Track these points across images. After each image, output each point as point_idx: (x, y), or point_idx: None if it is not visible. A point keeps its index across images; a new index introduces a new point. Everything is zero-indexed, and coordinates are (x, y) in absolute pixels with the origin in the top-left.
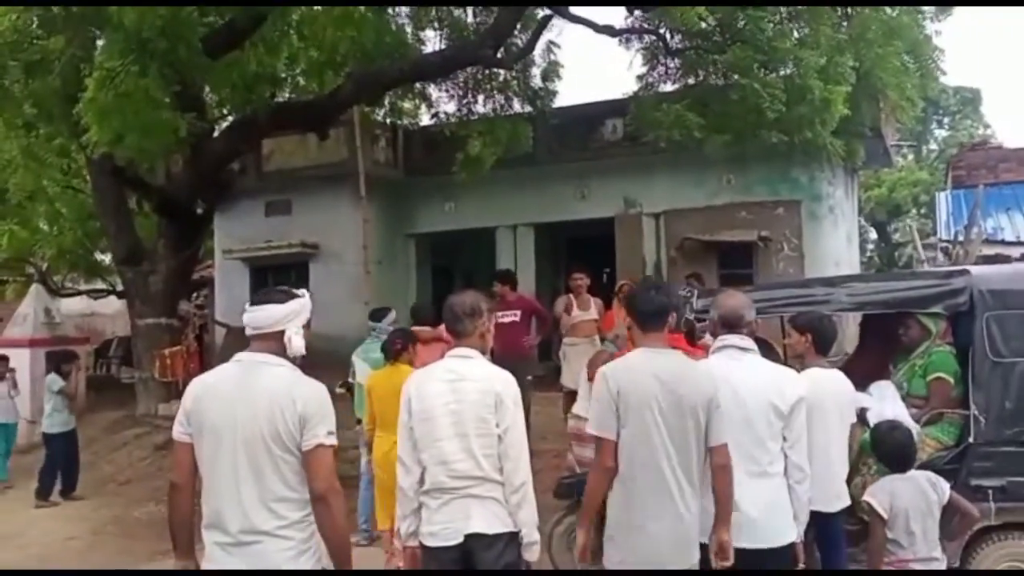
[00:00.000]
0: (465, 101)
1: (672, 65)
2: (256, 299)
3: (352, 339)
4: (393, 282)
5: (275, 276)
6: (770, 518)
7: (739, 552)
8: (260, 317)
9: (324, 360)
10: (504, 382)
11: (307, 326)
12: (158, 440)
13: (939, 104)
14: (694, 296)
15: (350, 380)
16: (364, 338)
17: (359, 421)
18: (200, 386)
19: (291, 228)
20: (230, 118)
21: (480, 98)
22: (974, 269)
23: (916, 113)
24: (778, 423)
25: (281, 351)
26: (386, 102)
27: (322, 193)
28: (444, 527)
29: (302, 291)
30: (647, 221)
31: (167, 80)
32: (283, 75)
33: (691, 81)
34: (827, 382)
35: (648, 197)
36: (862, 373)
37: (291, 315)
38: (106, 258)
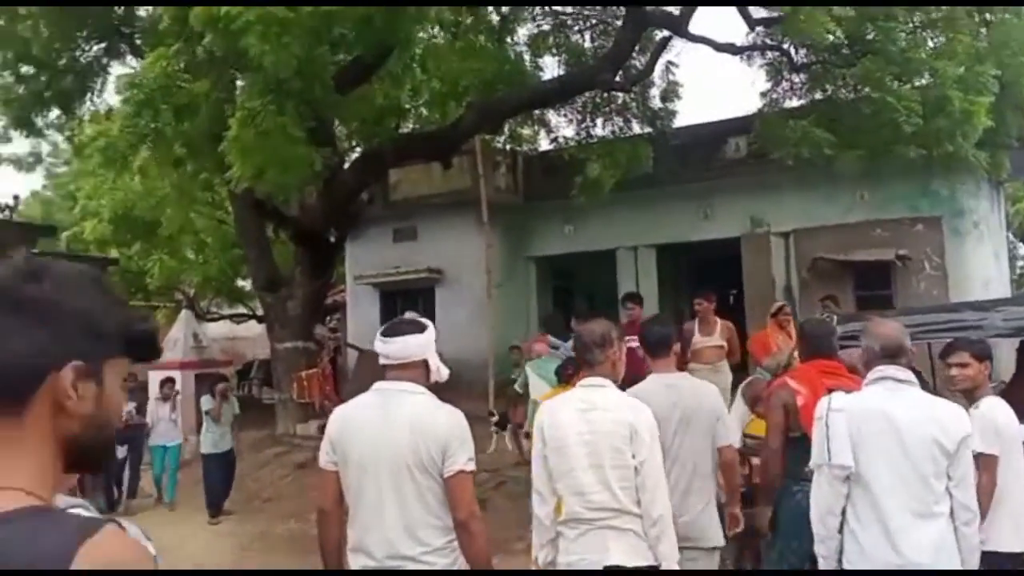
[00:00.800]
0: (584, 125)
1: (797, 80)
2: (390, 330)
3: (476, 363)
4: (514, 305)
5: (403, 301)
6: (936, 562)
7: None
8: (399, 348)
9: (451, 384)
10: (637, 412)
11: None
12: (298, 459)
13: None
14: (833, 320)
15: (516, 387)
16: (487, 360)
17: (528, 435)
18: (343, 416)
19: (418, 254)
20: (357, 150)
21: (599, 121)
22: None
23: None
24: (943, 461)
25: (419, 379)
26: (506, 129)
27: (446, 220)
28: (582, 558)
29: (426, 321)
30: (775, 241)
31: (302, 117)
32: (407, 107)
33: (818, 96)
34: (1007, 411)
35: (776, 216)
36: (1020, 404)
37: (429, 344)
38: (247, 284)
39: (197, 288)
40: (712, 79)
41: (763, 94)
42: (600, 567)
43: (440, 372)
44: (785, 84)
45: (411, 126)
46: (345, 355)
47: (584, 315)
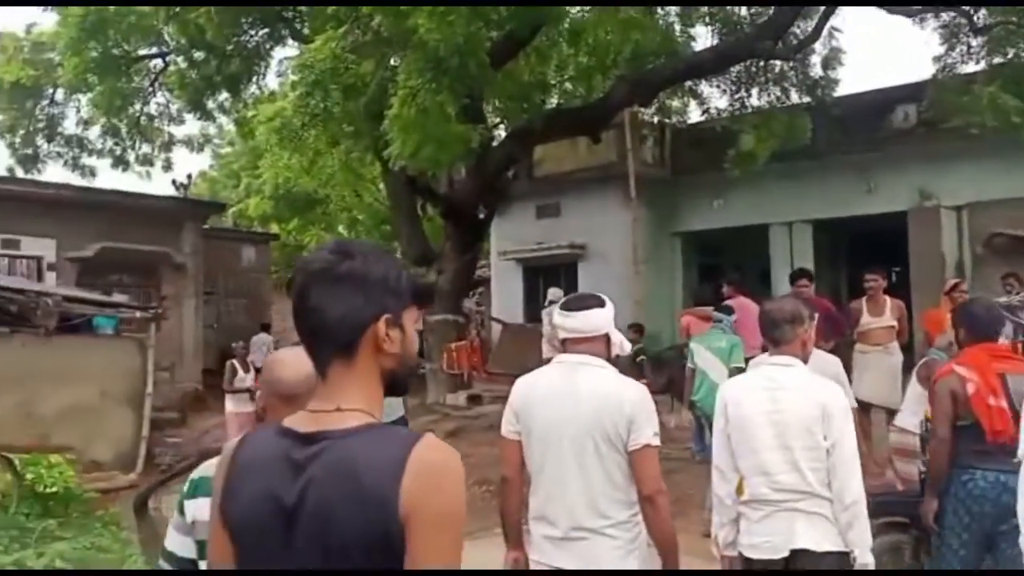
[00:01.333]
0: (738, 95)
1: (976, 43)
2: (572, 304)
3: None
4: (659, 282)
5: (546, 276)
6: None
7: None
8: (582, 322)
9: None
10: (831, 393)
11: None
12: (448, 427)
13: None
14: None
15: (689, 365)
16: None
17: (692, 404)
18: (527, 387)
19: (561, 230)
20: (503, 127)
21: (754, 91)
22: None
23: None
24: None
25: (601, 352)
26: (655, 102)
27: (590, 195)
28: (766, 540)
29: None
30: (946, 215)
31: (457, 95)
32: (552, 82)
33: (998, 60)
34: None
35: (947, 189)
36: None
37: (610, 318)
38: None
39: None
40: (877, 44)
41: (937, 59)
42: (786, 550)
43: (623, 346)
44: (961, 47)
45: (556, 101)
46: (489, 328)
47: (738, 287)
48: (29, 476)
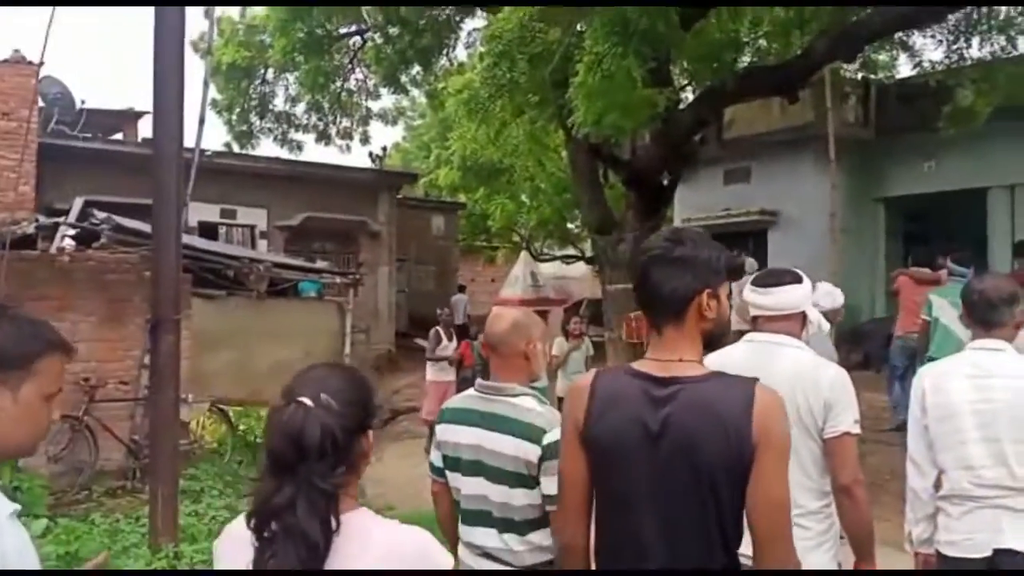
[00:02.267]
0: (956, 46)
1: None
2: (767, 280)
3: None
4: (859, 251)
5: (732, 244)
6: None
7: None
8: (777, 300)
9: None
10: None
11: None
12: None
13: None
14: None
15: (924, 317)
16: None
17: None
18: (715, 365)
19: (750, 196)
20: (689, 89)
21: (975, 41)
22: None
23: None
24: None
25: (796, 331)
26: (860, 56)
27: (783, 159)
28: (967, 538)
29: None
30: None
31: (643, 58)
32: (746, 40)
33: None
34: None
35: None
36: None
37: (807, 295)
38: (577, 227)
39: (532, 230)
40: None
41: None
42: (989, 549)
43: (821, 325)
44: None
45: (749, 60)
46: None
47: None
48: (242, 427)
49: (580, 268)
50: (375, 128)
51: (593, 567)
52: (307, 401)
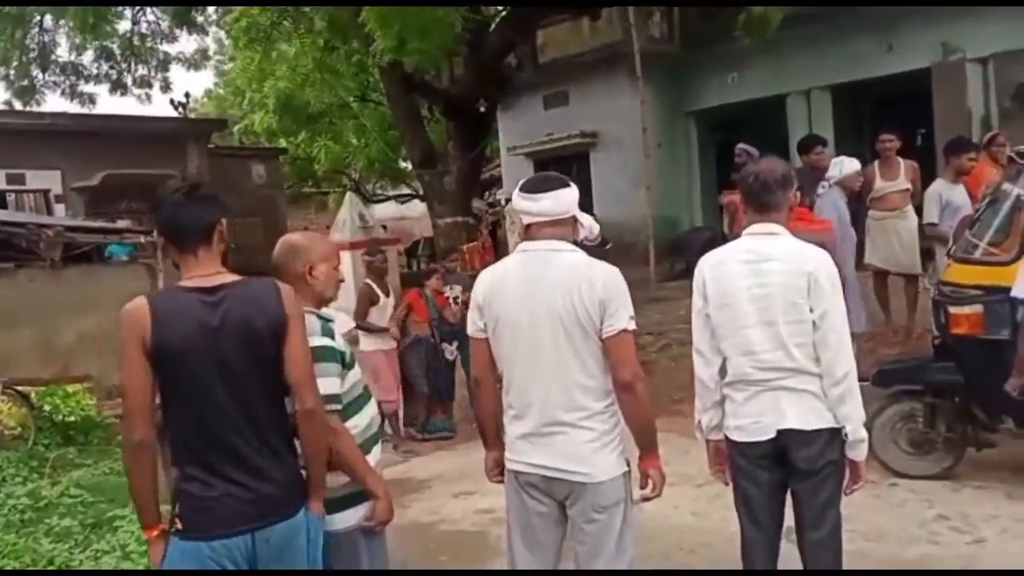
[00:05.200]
0: None
1: None
2: (536, 186)
3: (634, 226)
4: (675, 164)
5: (557, 168)
6: None
7: None
8: (550, 204)
9: (611, 248)
10: (817, 260)
11: None
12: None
13: None
14: None
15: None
16: (647, 223)
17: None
18: (490, 279)
19: (570, 119)
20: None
21: None
22: None
23: None
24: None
25: (568, 236)
26: None
27: (598, 79)
28: (754, 421)
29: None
30: (972, 68)
31: None
32: None
33: None
34: None
35: (972, 41)
36: None
37: (575, 199)
38: (409, 165)
39: (362, 171)
40: None
41: None
42: (774, 430)
43: (592, 229)
44: None
45: None
46: (504, 227)
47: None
48: (46, 408)
49: (418, 207)
50: (179, 75)
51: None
52: None
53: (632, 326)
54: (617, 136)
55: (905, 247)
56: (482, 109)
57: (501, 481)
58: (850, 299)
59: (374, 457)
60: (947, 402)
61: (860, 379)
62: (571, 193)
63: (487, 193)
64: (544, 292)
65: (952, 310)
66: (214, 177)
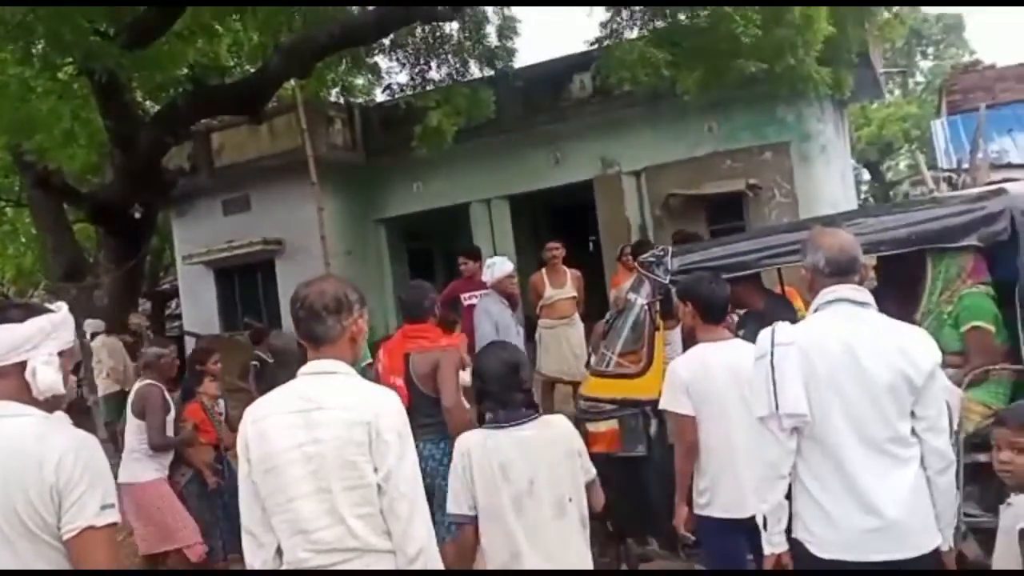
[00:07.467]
0: (418, 69)
1: (638, 9)
2: None
3: None
4: (366, 272)
5: (241, 278)
6: (912, 516)
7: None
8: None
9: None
10: (380, 405)
11: (66, 354)
12: None
13: (922, 34)
14: (667, 256)
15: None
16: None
17: None
18: None
19: (252, 225)
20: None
21: (433, 64)
22: (1012, 187)
23: (904, 32)
24: (910, 398)
25: (17, 393)
26: (336, 79)
27: (279, 185)
28: None
29: (57, 304)
30: (627, 180)
31: (51, 66)
32: (229, 64)
33: (659, 24)
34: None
35: (626, 155)
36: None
37: (31, 338)
38: None
39: (13, 282)
40: (552, 14)
41: (603, 24)
42: None
43: (38, 380)
44: (625, 13)
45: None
46: (184, 344)
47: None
48: None
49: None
50: None
51: None
52: None
53: (107, 519)
54: (302, 243)
55: (576, 354)
56: (137, 215)
57: None
58: None
59: None
60: (598, 524)
61: None
62: (21, 330)
63: (167, 306)
64: None
65: (589, 428)
66: None
